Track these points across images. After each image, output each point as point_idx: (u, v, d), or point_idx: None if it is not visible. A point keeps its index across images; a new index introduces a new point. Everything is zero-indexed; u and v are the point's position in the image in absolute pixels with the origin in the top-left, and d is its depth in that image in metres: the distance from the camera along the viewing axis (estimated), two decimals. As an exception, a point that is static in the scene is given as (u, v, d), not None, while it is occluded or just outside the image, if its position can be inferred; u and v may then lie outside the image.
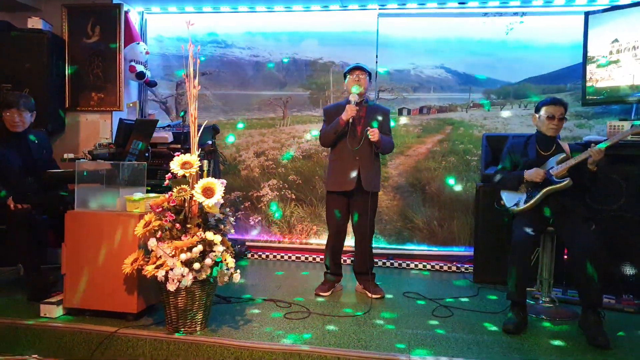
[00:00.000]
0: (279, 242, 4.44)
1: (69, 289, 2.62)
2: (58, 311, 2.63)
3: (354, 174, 3.05)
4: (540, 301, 2.98)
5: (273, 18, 4.41)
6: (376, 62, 4.22)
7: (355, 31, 4.27)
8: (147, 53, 4.34)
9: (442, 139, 4.23)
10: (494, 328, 2.65)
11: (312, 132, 4.41)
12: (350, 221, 3.23)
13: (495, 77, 4.15)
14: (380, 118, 3.14)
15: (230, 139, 4.52)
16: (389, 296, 3.20)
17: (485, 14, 4.09)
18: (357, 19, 4.26)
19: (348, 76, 3.16)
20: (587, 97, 3.66)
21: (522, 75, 4.09)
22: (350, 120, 3.00)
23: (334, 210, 3.18)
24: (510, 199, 2.91)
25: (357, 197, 3.11)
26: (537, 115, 2.89)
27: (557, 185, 2.73)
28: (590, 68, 3.64)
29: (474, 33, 4.11)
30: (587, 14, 3.65)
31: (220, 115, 4.56)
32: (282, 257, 4.26)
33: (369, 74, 3.17)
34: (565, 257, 3.21)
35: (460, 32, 4.13)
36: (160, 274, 2.30)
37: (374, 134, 2.97)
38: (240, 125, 4.51)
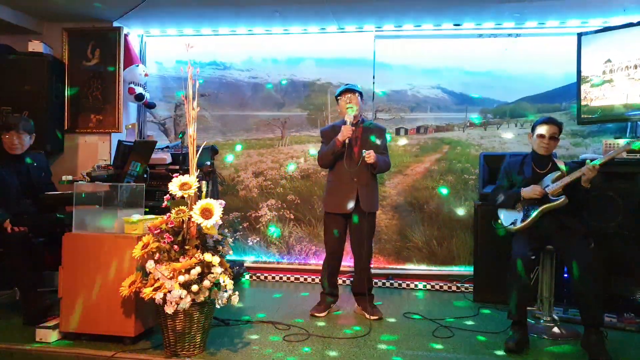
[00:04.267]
0: (278, 263, 4.43)
1: (66, 313, 2.61)
2: (54, 335, 2.61)
3: (351, 202, 3.08)
4: (542, 320, 2.97)
5: (271, 40, 4.50)
6: (373, 82, 4.30)
7: (352, 53, 4.36)
8: (146, 75, 4.41)
9: (440, 158, 4.27)
10: (495, 349, 2.63)
11: (310, 152, 4.45)
12: (348, 242, 3.24)
13: (491, 97, 4.22)
14: (375, 137, 3.18)
15: (229, 158, 4.55)
16: (389, 318, 3.18)
17: (480, 35, 4.19)
18: (354, 41, 4.35)
19: (340, 99, 3.21)
20: (582, 115, 3.72)
21: (518, 94, 4.16)
22: (347, 140, 3.04)
23: (331, 231, 3.19)
24: (507, 218, 2.93)
25: (356, 217, 3.13)
26: (532, 134, 2.94)
27: (554, 203, 2.75)
28: (584, 87, 3.71)
29: (469, 53, 4.20)
30: (579, 35, 3.74)
31: (219, 136, 4.60)
32: (280, 278, 4.25)
33: (360, 94, 3.22)
34: (565, 275, 3.21)
35: (456, 53, 4.22)
36: (158, 296, 2.29)
37: (370, 156, 3.01)
38: (238, 147, 4.55)
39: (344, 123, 3.11)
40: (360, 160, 3.04)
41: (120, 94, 4.22)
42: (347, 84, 3.27)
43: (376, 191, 3.24)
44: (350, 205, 3.08)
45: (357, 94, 3.18)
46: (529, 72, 4.11)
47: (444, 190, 4.21)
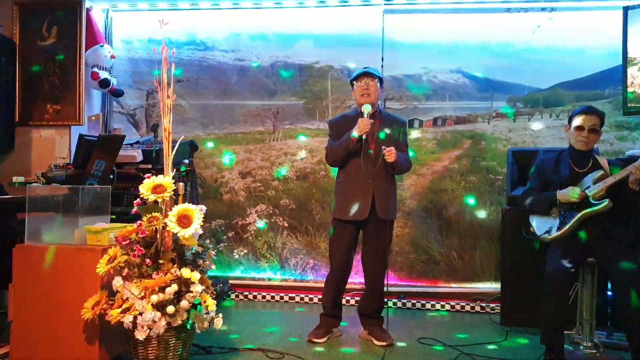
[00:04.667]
0: (269, 279, 4.43)
1: (17, 339, 2.59)
2: (3, 366, 2.61)
3: (366, 208, 3.07)
4: (581, 347, 2.96)
5: (261, 15, 4.50)
6: (382, 65, 4.30)
7: (357, 30, 4.37)
8: (112, 57, 4.41)
9: (461, 155, 4.28)
10: (526, 380, 2.64)
11: (301, 154, 4.46)
12: (359, 254, 3.25)
13: (521, 83, 4.24)
14: (396, 132, 3.18)
15: (212, 155, 4.56)
16: (401, 344, 3.18)
17: (508, 10, 4.20)
18: (359, 16, 4.36)
19: (355, 85, 3.21)
20: (629, 104, 3.73)
21: (552, 80, 4.18)
22: (364, 136, 3.05)
23: (340, 241, 3.19)
24: (541, 225, 2.93)
25: (370, 226, 3.13)
26: (569, 127, 2.95)
27: (595, 208, 2.76)
28: (631, 71, 3.71)
29: (495, 31, 4.21)
30: (626, 9, 3.73)
31: (199, 129, 4.61)
32: (272, 297, 4.25)
33: (380, 80, 3.21)
34: (609, 292, 3.21)
35: (479, 31, 4.23)
36: (127, 319, 2.29)
37: (390, 153, 3.00)
38: (222, 142, 4.55)
39: (358, 113, 3.11)
40: (381, 160, 3.04)
41: (82, 80, 4.23)
42: (365, 67, 3.26)
43: (395, 195, 3.26)
44: (365, 211, 3.09)
45: (376, 79, 3.17)
46: (565, 54, 4.12)
47: (466, 193, 4.21)
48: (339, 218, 3.19)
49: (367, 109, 3.06)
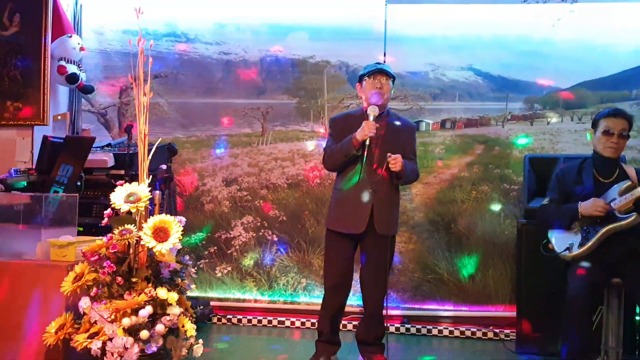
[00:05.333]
0: (256, 301, 4.42)
1: (-30, 367, 2.59)
2: (-47, 398, 2.59)
3: (365, 220, 3.06)
4: (607, 378, 2.98)
5: (249, 4, 4.51)
6: (384, 61, 4.32)
7: (358, 22, 4.39)
8: (82, 49, 4.41)
9: (472, 162, 4.30)
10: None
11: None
12: (357, 272, 3.25)
13: (539, 81, 4.26)
14: (403, 137, 3.20)
15: (193, 160, 4.56)
16: (403, 374, 3.18)
17: (525, 0, 4.23)
18: (360, 6, 4.38)
19: (366, 79, 3.20)
20: (660, 107, 3.77)
21: (574, 78, 4.21)
22: (367, 141, 3.06)
23: (336, 257, 3.19)
24: (561, 242, 2.94)
25: (369, 241, 3.13)
26: (593, 131, 2.97)
27: (621, 223, 2.77)
28: (661, 70, 3.76)
29: (511, 24, 4.24)
30: (655, 1, 3.79)
31: (179, 131, 4.61)
32: (259, 321, 4.23)
33: (393, 79, 3.21)
34: (638, 317, 3.22)
35: (493, 24, 4.26)
36: (96, 345, 2.28)
37: (396, 162, 3.00)
38: (204, 146, 4.55)
39: (362, 114, 3.13)
40: (385, 167, 3.04)
41: (47, 74, 4.22)
42: (377, 63, 3.26)
43: (397, 208, 3.26)
44: (364, 223, 3.09)
45: (391, 79, 3.17)
46: (588, 49, 4.16)
47: (478, 205, 4.22)
48: (333, 230, 3.20)
49: (374, 111, 3.06)
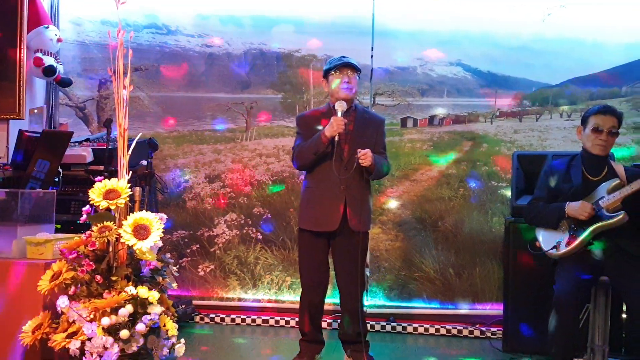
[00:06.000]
0: (239, 299, 4.42)
1: (-58, 369, 2.56)
2: None
3: (337, 217, 3.09)
4: (593, 377, 3.02)
5: (233, -5, 4.51)
6: (371, 56, 4.34)
7: (345, 15, 4.39)
8: (59, 40, 4.37)
9: (460, 159, 4.33)
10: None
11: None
12: (333, 271, 3.26)
13: (528, 77, 4.30)
14: (372, 131, 3.22)
15: (174, 156, 4.54)
16: (389, 373, 3.20)
17: (514, -5, 4.27)
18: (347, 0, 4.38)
19: (332, 75, 3.22)
20: (649, 104, 3.82)
21: (564, 75, 4.25)
22: (336, 137, 3.07)
23: (309, 256, 3.21)
24: (548, 240, 2.97)
25: (342, 238, 3.15)
26: (582, 128, 3.00)
27: (609, 222, 2.81)
28: (652, 66, 3.81)
29: (500, 19, 4.27)
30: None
31: (159, 126, 4.58)
32: (243, 320, 4.24)
33: (359, 72, 3.25)
34: (624, 315, 3.27)
35: (482, 18, 4.29)
36: (74, 345, 2.27)
37: (365, 157, 3.02)
38: (186, 141, 4.53)
39: (330, 109, 3.13)
40: (355, 164, 3.06)
41: (23, 67, 4.18)
42: (342, 56, 3.26)
43: (369, 204, 3.27)
44: (336, 221, 3.11)
45: (357, 72, 3.21)
46: (578, 46, 4.20)
47: (465, 202, 4.26)
48: (305, 228, 3.21)
49: (342, 106, 3.08)
